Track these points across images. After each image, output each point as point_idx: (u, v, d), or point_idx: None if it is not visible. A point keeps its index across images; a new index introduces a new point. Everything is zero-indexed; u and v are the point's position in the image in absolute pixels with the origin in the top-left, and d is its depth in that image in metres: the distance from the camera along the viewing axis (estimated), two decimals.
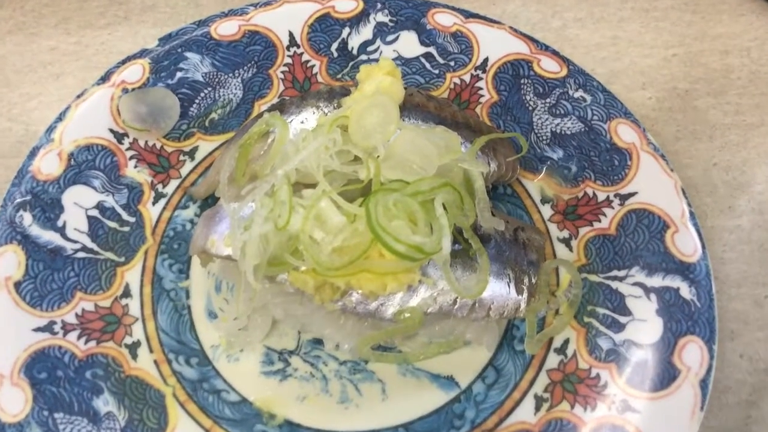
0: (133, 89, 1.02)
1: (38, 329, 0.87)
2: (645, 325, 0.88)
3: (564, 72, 1.04)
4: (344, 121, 0.87)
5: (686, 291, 0.88)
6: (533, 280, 0.88)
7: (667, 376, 0.83)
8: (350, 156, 0.86)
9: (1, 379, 0.82)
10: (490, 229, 0.87)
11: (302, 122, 0.93)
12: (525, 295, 0.87)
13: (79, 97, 1.00)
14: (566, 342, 0.90)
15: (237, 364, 0.90)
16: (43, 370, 0.84)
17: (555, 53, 1.06)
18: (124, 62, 1.04)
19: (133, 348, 0.89)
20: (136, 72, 1.03)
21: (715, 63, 1.20)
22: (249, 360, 0.90)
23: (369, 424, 0.86)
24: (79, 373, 0.85)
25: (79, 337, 0.88)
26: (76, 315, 0.89)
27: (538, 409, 0.86)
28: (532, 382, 0.88)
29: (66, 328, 0.88)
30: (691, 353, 0.84)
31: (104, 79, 1.02)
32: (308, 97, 0.96)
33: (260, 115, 0.93)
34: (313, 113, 0.93)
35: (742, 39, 1.23)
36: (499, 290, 0.86)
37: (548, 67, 1.05)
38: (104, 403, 0.84)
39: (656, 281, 0.89)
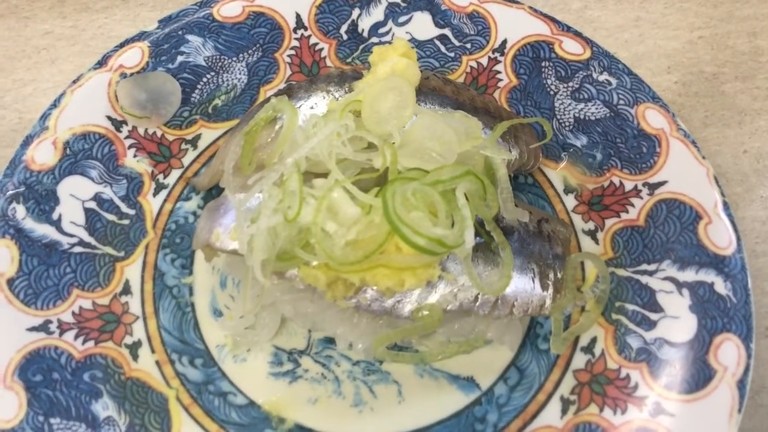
0: (132, 74, 1.00)
1: (33, 329, 0.84)
2: (678, 323, 0.85)
3: (587, 54, 1.01)
4: (357, 106, 0.84)
5: (721, 286, 0.85)
6: (559, 275, 0.85)
7: (702, 376, 0.81)
8: (364, 143, 0.83)
9: None
10: (513, 221, 0.85)
11: (312, 107, 0.90)
12: (550, 290, 0.84)
13: (74, 82, 0.98)
14: (593, 340, 0.87)
15: (244, 365, 0.87)
16: (38, 372, 0.82)
17: (578, 34, 1.02)
18: (122, 46, 1.01)
19: (134, 348, 0.87)
20: (134, 56, 1.01)
21: (743, 45, 1.17)
22: (257, 360, 0.88)
23: (384, 428, 0.84)
24: (77, 376, 0.83)
25: (76, 337, 0.86)
26: (73, 313, 0.87)
27: (564, 412, 0.84)
28: (558, 383, 0.86)
29: (62, 328, 0.85)
30: (728, 352, 0.82)
31: (101, 63, 1.00)
32: (318, 81, 0.93)
33: (266, 100, 0.91)
34: (324, 98, 0.91)
35: None
36: (523, 286, 0.83)
37: (570, 48, 1.02)
38: (103, 408, 0.82)
39: (689, 275, 0.87)
